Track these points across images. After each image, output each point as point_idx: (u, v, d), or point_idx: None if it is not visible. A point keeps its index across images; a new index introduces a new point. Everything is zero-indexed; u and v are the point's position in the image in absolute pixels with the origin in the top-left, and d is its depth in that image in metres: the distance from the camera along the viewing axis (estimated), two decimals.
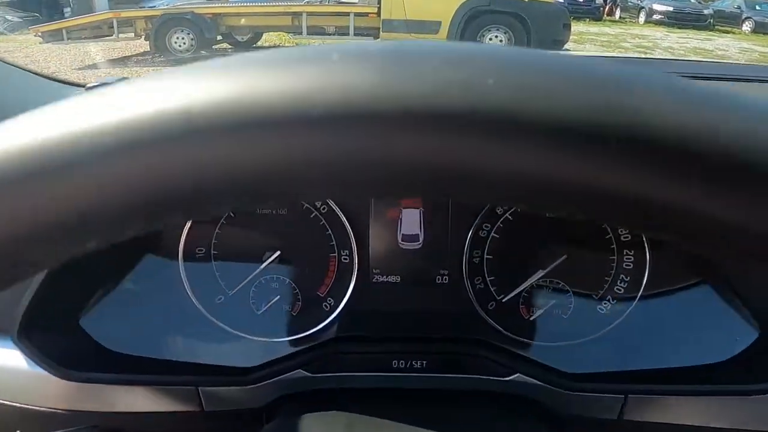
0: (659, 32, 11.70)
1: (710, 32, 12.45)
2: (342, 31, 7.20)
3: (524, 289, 0.53)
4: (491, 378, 0.48)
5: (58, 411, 0.46)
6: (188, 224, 0.52)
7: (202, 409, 0.47)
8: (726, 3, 13.83)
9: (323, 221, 0.52)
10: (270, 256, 0.52)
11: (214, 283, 0.53)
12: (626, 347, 0.50)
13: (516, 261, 0.52)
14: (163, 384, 0.46)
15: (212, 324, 0.53)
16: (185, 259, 0.53)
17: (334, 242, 0.53)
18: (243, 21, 7.46)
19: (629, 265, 0.52)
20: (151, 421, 0.47)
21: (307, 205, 0.52)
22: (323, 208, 0.52)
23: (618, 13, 14.86)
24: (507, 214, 0.52)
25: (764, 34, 12.35)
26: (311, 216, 0.53)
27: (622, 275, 0.52)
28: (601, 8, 13.72)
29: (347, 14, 7.08)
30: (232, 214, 0.53)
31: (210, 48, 7.33)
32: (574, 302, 0.53)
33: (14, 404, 0.46)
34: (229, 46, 8.05)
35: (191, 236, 0.53)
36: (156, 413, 0.47)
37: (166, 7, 7.35)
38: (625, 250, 0.52)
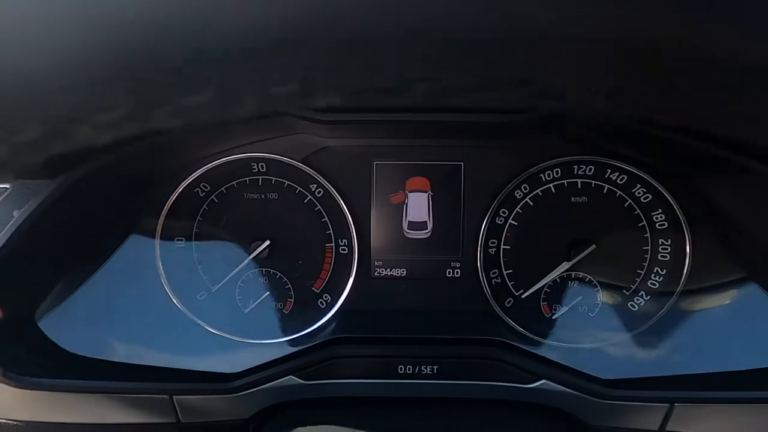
0: None
1: None
2: None
3: (546, 283, 0.47)
4: (512, 385, 0.42)
5: (14, 422, 0.40)
6: (166, 209, 0.46)
7: (178, 420, 0.42)
8: None
9: (319, 207, 0.46)
10: (258, 247, 0.46)
11: (196, 277, 0.47)
12: (667, 349, 0.44)
13: (537, 252, 0.46)
14: (133, 392, 0.40)
15: (192, 324, 0.47)
16: (163, 250, 0.47)
17: (331, 230, 0.47)
18: None
19: (665, 256, 0.46)
20: None
21: (300, 188, 0.46)
22: (318, 192, 0.46)
23: None
24: (527, 199, 0.46)
25: None
26: (305, 201, 0.46)
27: (657, 267, 0.46)
28: None
29: None
30: (215, 200, 0.47)
31: None
32: (603, 298, 0.47)
33: None
34: None
35: (170, 223, 0.46)
36: (127, 425, 0.41)
37: None
38: (660, 240, 0.46)
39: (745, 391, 0.40)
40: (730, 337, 0.44)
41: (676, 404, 0.40)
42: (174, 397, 0.41)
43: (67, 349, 0.42)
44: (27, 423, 0.40)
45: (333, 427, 0.37)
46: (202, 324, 0.47)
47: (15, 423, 0.40)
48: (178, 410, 0.41)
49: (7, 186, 0.39)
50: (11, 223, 0.36)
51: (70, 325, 0.43)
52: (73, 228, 0.41)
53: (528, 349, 0.44)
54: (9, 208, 0.37)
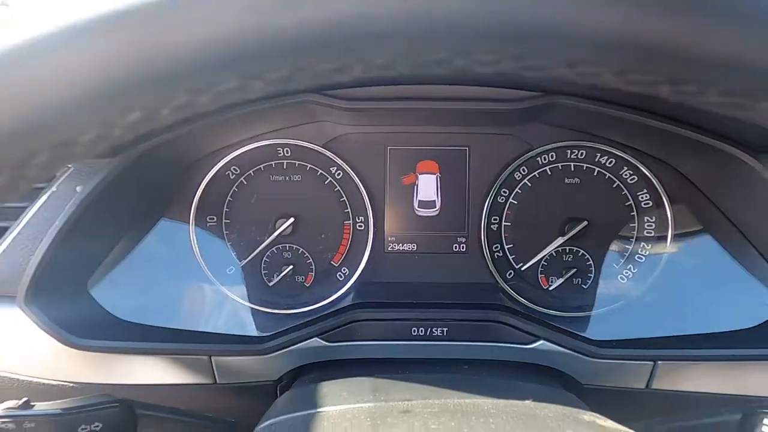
0: None
1: None
2: None
3: (544, 257, 0.51)
4: (513, 346, 0.46)
5: (67, 384, 0.45)
6: (200, 189, 0.50)
7: (215, 380, 0.46)
8: None
9: (338, 187, 0.51)
10: (283, 224, 0.51)
11: (225, 252, 0.52)
12: (652, 314, 0.49)
13: (535, 228, 0.51)
14: (176, 353, 0.45)
15: (224, 295, 0.51)
16: (197, 227, 0.51)
17: (349, 209, 0.51)
18: None
19: (651, 232, 0.51)
20: (163, 394, 0.46)
21: (321, 171, 0.51)
22: (338, 174, 0.51)
23: None
24: (525, 180, 0.51)
25: None
26: (325, 182, 0.51)
27: (643, 242, 0.51)
28: None
29: None
30: (244, 182, 0.51)
31: None
32: (595, 271, 0.52)
33: (20, 377, 0.45)
34: None
35: (203, 202, 0.51)
36: (168, 386, 0.46)
37: None
38: (646, 217, 0.51)
39: (722, 349, 0.45)
40: (708, 302, 0.49)
41: (659, 362, 0.45)
42: (212, 357, 0.45)
43: (116, 315, 0.46)
44: (81, 384, 0.45)
45: (353, 379, 0.42)
46: (232, 296, 0.52)
47: (71, 384, 0.45)
48: (215, 371, 0.46)
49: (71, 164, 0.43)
50: (75, 198, 0.41)
51: (118, 293, 0.47)
52: (122, 204, 0.45)
53: (527, 314, 0.49)
54: (73, 184, 0.42)
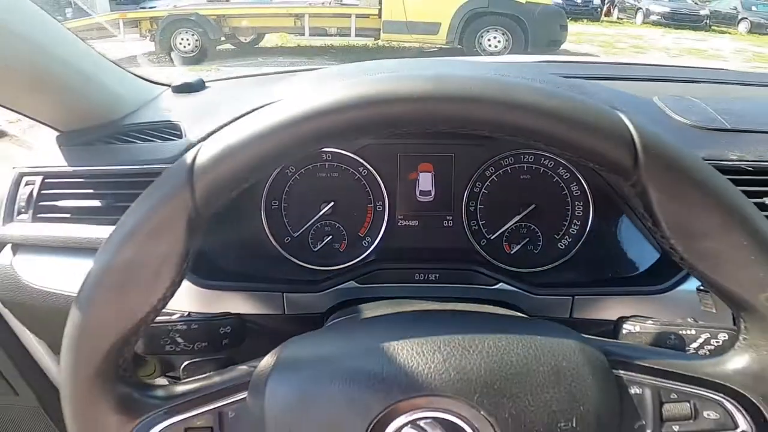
0: (656, 33, 11.87)
1: (706, 33, 12.57)
2: (343, 32, 7.37)
3: (506, 229, 0.74)
4: (482, 287, 0.69)
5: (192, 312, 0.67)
6: (269, 181, 0.73)
7: (284, 311, 0.68)
8: (723, 4, 13.94)
9: (364, 181, 0.74)
10: (325, 207, 0.74)
11: (284, 227, 0.75)
12: (579, 268, 0.72)
13: (500, 209, 0.74)
14: (259, 290, 0.67)
15: (284, 257, 0.74)
16: (265, 210, 0.74)
17: (371, 196, 0.74)
18: (246, 22, 7.61)
19: (580, 213, 0.74)
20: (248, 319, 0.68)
21: (352, 170, 0.74)
22: (364, 172, 0.74)
23: (616, 13, 14.98)
24: (493, 176, 0.74)
25: (760, 34, 12.49)
26: (355, 178, 0.74)
27: (575, 220, 0.74)
28: (599, 9, 13.84)
29: (349, 16, 7.22)
30: (298, 177, 0.74)
31: (214, 49, 7.52)
32: (542, 240, 0.75)
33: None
34: (232, 47, 8.22)
35: (269, 193, 0.74)
36: (251, 314, 0.68)
37: (170, 8, 7.52)
38: (576, 202, 0.73)
39: (619, 287, 0.67)
40: (616, 256, 0.71)
41: (576, 297, 0.68)
42: (284, 294, 0.68)
43: (221, 266, 0.69)
44: (197, 313, 0.66)
45: (382, 302, 0.64)
46: (289, 257, 0.75)
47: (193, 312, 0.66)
48: (285, 304, 0.68)
49: None
50: None
51: (221, 251, 0.70)
52: None
53: (494, 267, 0.72)
54: None
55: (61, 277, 0.67)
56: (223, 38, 7.66)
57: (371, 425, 0.36)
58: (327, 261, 0.74)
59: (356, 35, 7.17)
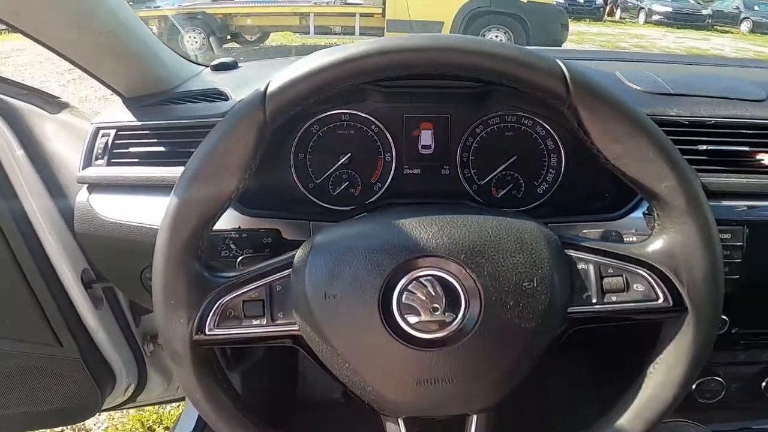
0: (658, 32, 11.95)
1: (708, 32, 12.63)
2: (348, 31, 7.51)
3: (493, 176, 0.89)
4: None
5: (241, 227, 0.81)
6: (297, 136, 0.89)
7: (309, 235, 0.84)
8: (725, 3, 13.97)
9: (375, 137, 0.89)
10: (344, 157, 0.89)
11: (308, 175, 0.90)
12: (552, 205, 0.87)
13: (488, 160, 0.89)
14: (290, 218, 0.82)
15: (308, 199, 0.90)
16: (293, 161, 0.90)
17: (381, 149, 0.89)
18: (252, 21, 7.76)
19: (554, 162, 0.89)
20: None
21: (366, 128, 0.89)
22: (375, 129, 0.89)
23: (618, 13, 15.05)
24: (482, 133, 0.89)
25: (762, 33, 12.54)
26: (368, 135, 0.89)
27: (551, 169, 0.89)
28: (602, 9, 13.91)
29: (353, 14, 7.35)
30: (320, 134, 0.90)
31: (220, 47, 7.68)
32: (524, 186, 0.90)
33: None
34: (238, 45, 8.37)
35: (297, 147, 0.89)
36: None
37: (176, 7, 7.68)
38: (551, 155, 0.89)
39: (579, 215, 0.82)
40: (585, 196, 0.87)
41: (549, 224, 0.83)
42: (311, 222, 0.83)
43: (260, 206, 0.84)
44: (246, 228, 0.76)
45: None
46: (313, 199, 0.90)
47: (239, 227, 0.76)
48: (311, 230, 0.84)
49: None
50: None
51: (260, 194, 0.84)
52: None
53: (483, 206, 0.87)
54: None
55: (129, 211, 0.82)
56: (229, 37, 7.82)
57: (386, 281, 0.47)
58: (344, 203, 0.89)
59: (360, 34, 7.30)
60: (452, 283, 0.47)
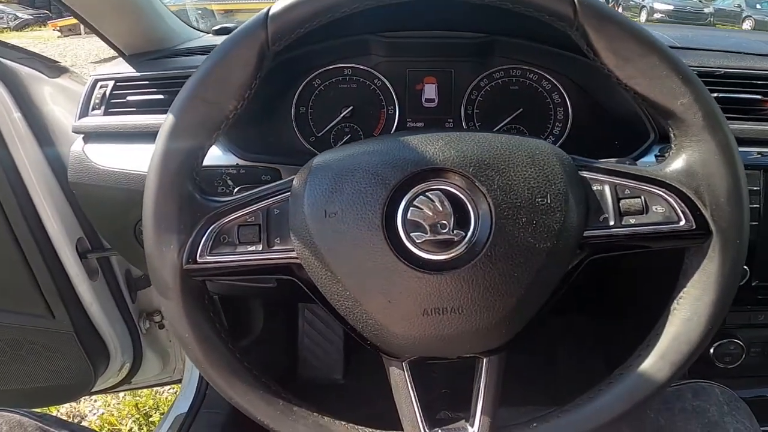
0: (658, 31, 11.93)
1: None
2: None
3: (498, 130, 0.88)
4: None
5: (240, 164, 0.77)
6: (299, 90, 0.87)
7: None
8: (727, 2, 13.95)
9: (378, 91, 0.88)
10: (345, 111, 0.88)
11: (309, 128, 0.89)
12: None
13: (493, 113, 0.87)
14: (289, 164, 0.78)
15: (310, 151, 0.88)
16: (295, 112, 0.88)
17: (384, 102, 0.88)
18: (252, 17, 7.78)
19: (560, 116, 0.87)
20: None
21: (368, 81, 0.88)
22: (378, 83, 0.88)
23: (620, 11, 15.03)
24: (487, 86, 0.88)
25: (764, 32, 12.52)
26: (371, 88, 0.88)
27: (558, 122, 0.88)
28: None
29: None
30: (322, 88, 0.88)
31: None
32: (530, 136, 0.88)
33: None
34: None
35: (298, 101, 0.88)
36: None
37: (179, 3, 7.69)
38: (558, 108, 0.87)
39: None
40: (592, 138, 0.85)
41: None
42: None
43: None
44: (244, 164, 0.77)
45: None
46: (314, 151, 0.88)
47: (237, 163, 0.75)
48: None
49: None
50: None
51: (262, 148, 0.83)
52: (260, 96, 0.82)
53: None
54: None
55: (124, 159, 0.79)
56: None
57: (390, 194, 0.43)
58: None
59: None
60: (461, 197, 0.43)
